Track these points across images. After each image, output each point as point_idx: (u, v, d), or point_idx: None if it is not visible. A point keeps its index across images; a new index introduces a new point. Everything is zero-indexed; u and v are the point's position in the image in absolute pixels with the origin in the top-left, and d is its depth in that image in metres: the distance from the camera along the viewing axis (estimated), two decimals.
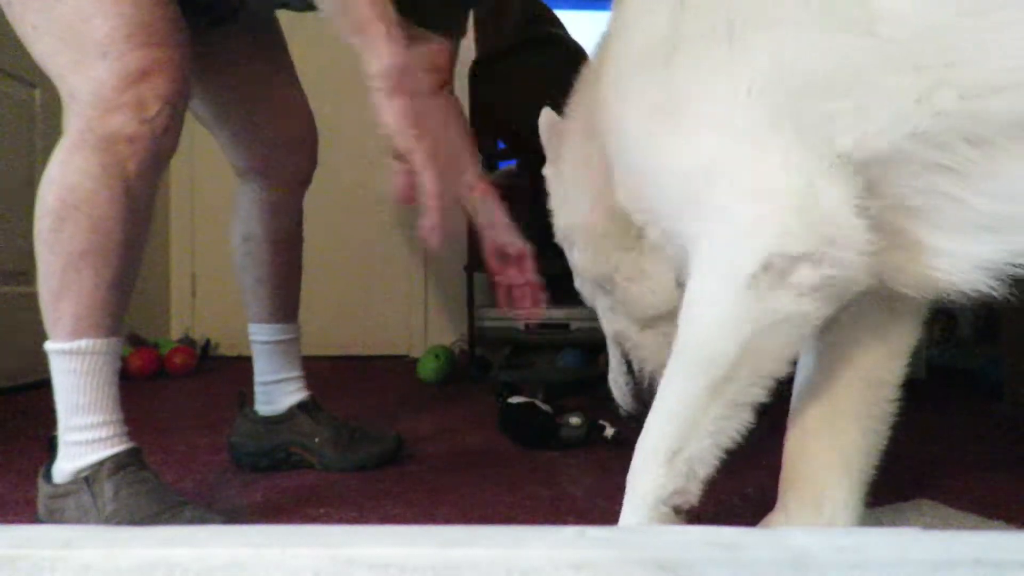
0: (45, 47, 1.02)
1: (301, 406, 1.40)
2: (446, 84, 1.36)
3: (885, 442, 0.89)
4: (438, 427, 1.76)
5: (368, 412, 1.96)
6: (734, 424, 0.74)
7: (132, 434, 1.06)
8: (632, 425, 0.94)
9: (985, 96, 0.62)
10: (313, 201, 1.46)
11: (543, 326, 2.63)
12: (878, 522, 1.04)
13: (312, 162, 1.42)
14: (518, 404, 1.60)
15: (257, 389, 1.41)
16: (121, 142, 1.00)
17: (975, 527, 1.03)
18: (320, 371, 2.77)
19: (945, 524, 1.03)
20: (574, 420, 1.51)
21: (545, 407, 1.58)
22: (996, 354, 2.15)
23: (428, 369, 2.45)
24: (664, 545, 0.27)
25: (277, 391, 1.40)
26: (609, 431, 1.51)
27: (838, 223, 0.66)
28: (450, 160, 1.01)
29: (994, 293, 0.69)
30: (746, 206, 0.69)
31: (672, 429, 0.76)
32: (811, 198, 0.66)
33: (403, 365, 2.86)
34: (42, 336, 1.03)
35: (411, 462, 1.43)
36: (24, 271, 2.27)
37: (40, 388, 2.32)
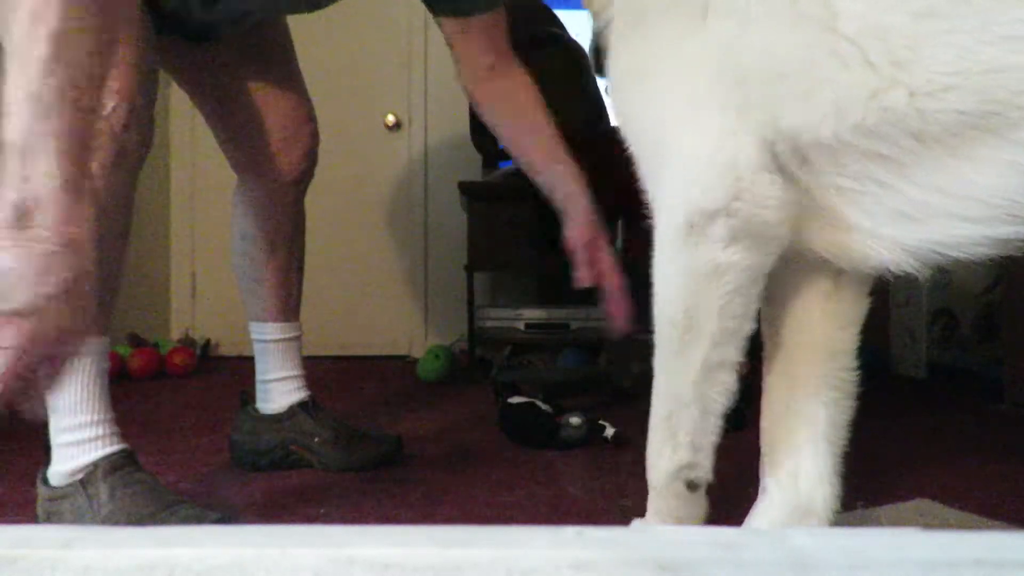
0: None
1: (301, 405, 1.40)
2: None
3: (851, 413, 0.91)
4: (438, 427, 1.76)
5: (368, 412, 1.96)
6: (717, 388, 0.78)
7: (129, 435, 1.06)
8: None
9: (934, 96, 0.66)
10: (313, 201, 1.46)
11: (543, 326, 2.63)
12: (878, 522, 1.04)
13: (309, 160, 1.41)
14: (518, 404, 1.60)
15: (258, 388, 1.41)
16: None
17: (975, 527, 1.03)
18: (320, 371, 2.77)
19: (945, 524, 1.03)
20: (574, 420, 1.51)
21: (545, 407, 1.58)
22: (996, 354, 2.15)
23: (428, 369, 2.45)
24: (664, 545, 0.27)
25: (277, 390, 1.40)
26: (609, 431, 1.51)
27: (750, 181, 0.73)
28: None
29: (918, 274, 0.74)
30: (680, 168, 0.76)
31: (662, 402, 0.81)
32: (731, 161, 0.73)
33: (403, 365, 2.86)
34: None
35: (411, 462, 1.43)
36: None
37: None
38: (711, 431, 0.80)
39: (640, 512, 0.87)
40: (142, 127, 1.04)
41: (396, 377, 2.61)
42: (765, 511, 0.88)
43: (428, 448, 1.55)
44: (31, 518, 1.06)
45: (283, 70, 1.38)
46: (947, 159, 0.68)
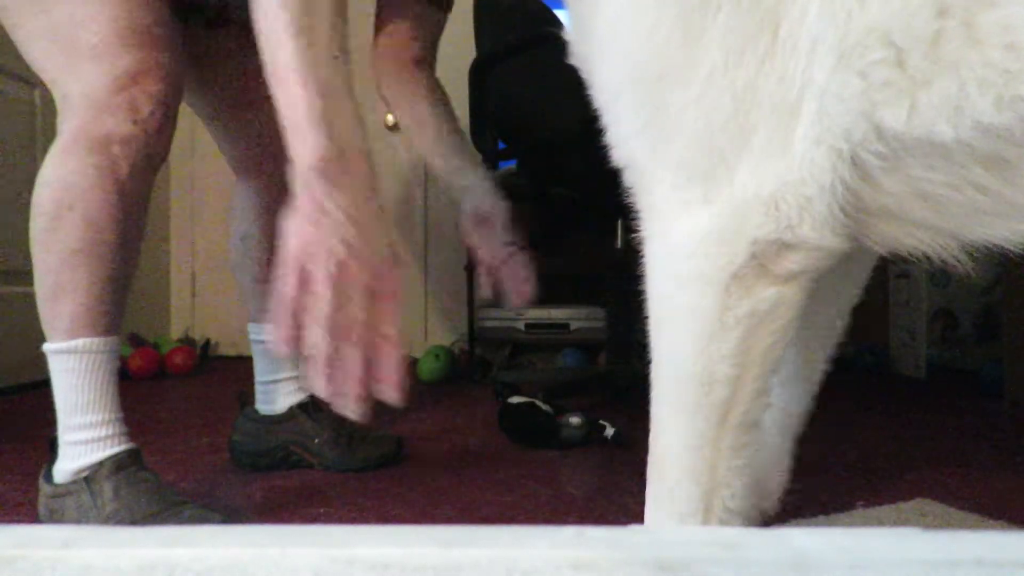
0: (39, 51, 1.04)
1: (301, 406, 1.40)
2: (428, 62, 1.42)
3: (812, 402, 0.94)
4: (438, 427, 1.76)
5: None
6: (752, 447, 0.70)
7: (132, 434, 1.06)
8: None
9: None
10: None
11: (543, 326, 2.63)
12: (878, 522, 1.04)
13: None
14: (518, 404, 1.60)
15: (257, 388, 1.42)
16: (114, 143, 1.01)
17: (975, 527, 1.03)
18: None
19: (945, 524, 1.03)
20: (574, 420, 1.51)
21: (545, 407, 1.58)
22: (996, 354, 2.15)
23: (428, 369, 2.45)
24: (664, 545, 0.27)
25: (276, 391, 1.40)
26: (609, 431, 1.51)
27: (824, 200, 0.62)
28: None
29: (962, 268, 0.69)
30: (730, 192, 0.64)
31: (692, 487, 0.70)
32: (809, 175, 0.62)
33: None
34: (42, 336, 1.03)
35: (411, 462, 1.43)
36: (24, 271, 2.26)
37: (40, 388, 2.32)
38: (743, 498, 0.70)
39: (639, 513, 0.87)
40: (170, 131, 1.07)
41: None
42: None
43: (428, 448, 1.55)
44: (31, 518, 1.06)
45: None
46: None
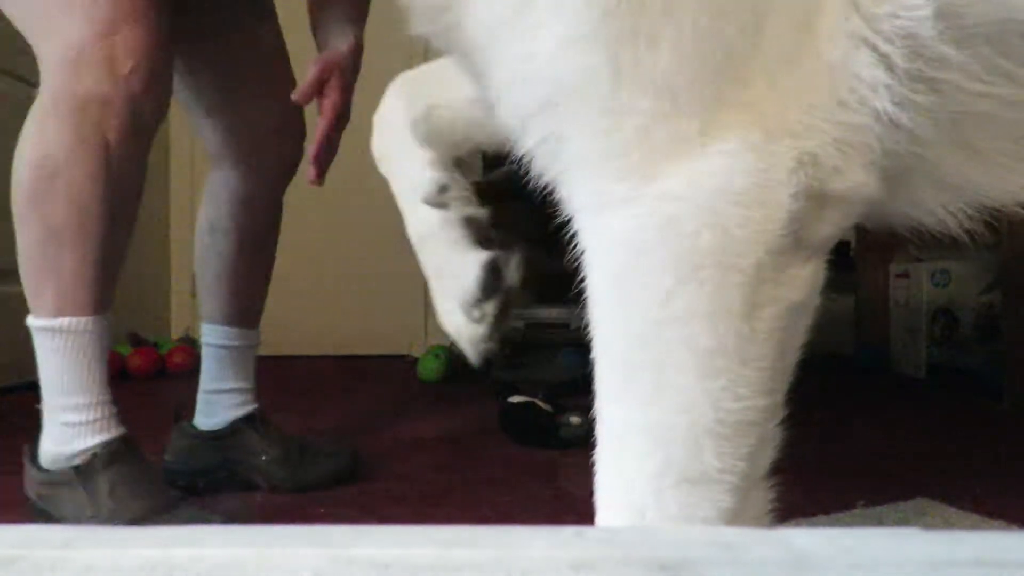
0: (16, 10, 0.96)
1: (247, 419, 1.27)
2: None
3: None
4: (438, 427, 1.76)
5: (368, 412, 1.96)
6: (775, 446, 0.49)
7: (129, 434, 1.05)
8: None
9: None
10: (313, 200, 1.46)
11: (543, 326, 2.63)
12: (878, 522, 1.04)
13: (298, 151, 1.29)
14: (518, 404, 1.60)
15: (199, 399, 1.29)
16: (94, 104, 0.91)
17: (975, 527, 1.03)
18: (320, 371, 2.77)
19: (945, 524, 1.03)
20: (574, 420, 1.51)
21: (545, 407, 1.58)
22: (996, 354, 2.15)
23: (428, 369, 2.45)
24: (664, 545, 0.27)
25: (220, 403, 1.27)
26: None
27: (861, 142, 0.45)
28: None
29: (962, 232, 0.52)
30: (731, 143, 0.43)
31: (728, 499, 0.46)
32: (841, 103, 0.44)
33: (403, 365, 2.86)
34: None
35: (411, 462, 1.43)
36: None
37: (39, 388, 2.32)
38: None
39: None
40: (159, 92, 0.97)
41: (396, 377, 2.61)
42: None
43: (428, 448, 1.54)
44: (31, 518, 1.06)
45: (273, 49, 1.27)
46: None
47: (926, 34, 0.42)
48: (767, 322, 0.44)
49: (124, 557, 0.26)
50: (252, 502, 1.20)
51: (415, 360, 2.61)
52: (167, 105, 1.00)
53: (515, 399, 1.63)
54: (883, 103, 0.44)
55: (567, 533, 0.28)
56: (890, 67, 0.43)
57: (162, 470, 1.24)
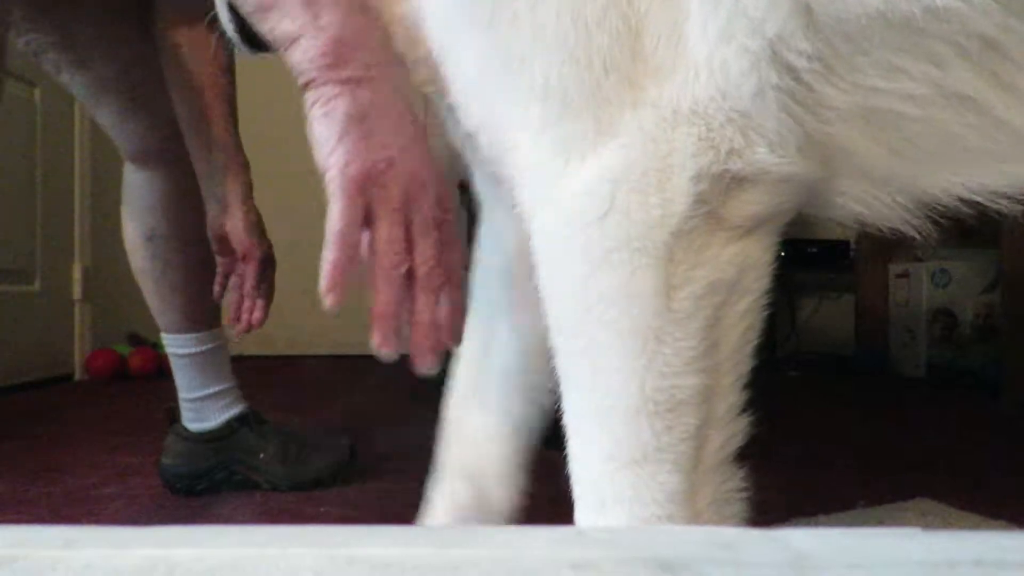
0: None
1: (240, 419, 1.25)
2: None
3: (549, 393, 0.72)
4: (438, 427, 1.76)
5: (368, 412, 1.96)
6: (739, 433, 0.49)
7: (129, 433, 1.05)
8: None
9: None
10: (313, 200, 1.45)
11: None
12: (878, 522, 1.05)
13: None
14: None
15: (184, 406, 1.25)
16: None
17: (975, 527, 1.03)
18: (320, 371, 2.77)
19: (945, 524, 1.03)
20: None
21: None
22: (996, 354, 2.15)
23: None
24: (664, 545, 0.27)
25: (209, 407, 1.24)
26: None
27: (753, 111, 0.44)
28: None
29: (908, 229, 0.50)
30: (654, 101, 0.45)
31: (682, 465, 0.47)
32: (724, 94, 0.44)
33: (403, 365, 2.86)
34: (42, 335, 1.03)
35: (411, 462, 1.43)
36: (24, 270, 2.27)
37: (39, 388, 2.33)
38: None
39: None
40: None
41: (396, 377, 2.61)
42: (436, 501, 0.81)
43: (428, 448, 1.54)
44: (31, 518, 1.06)
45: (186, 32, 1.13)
46: None
47: (779, 30, 0.43)
48: (685, 302, 0.45)
49: (124, 557, 0.26)
50: (252, 502, 1.20)
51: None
52: (1, 85, 0.86)
53: None
54: (764, 94, 0.44)
55: (567, 533, 0.28)
56: (757, 62, 0.44)
57: (160, 472, 1.24)
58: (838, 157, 0.47)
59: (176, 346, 1.24)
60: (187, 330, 1.23)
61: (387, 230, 0.57)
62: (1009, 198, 0.47)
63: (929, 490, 1.17)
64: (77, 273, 2.49)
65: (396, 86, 0.58)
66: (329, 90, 0.56)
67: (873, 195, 0.49)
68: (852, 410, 1.89)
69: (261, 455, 1.24)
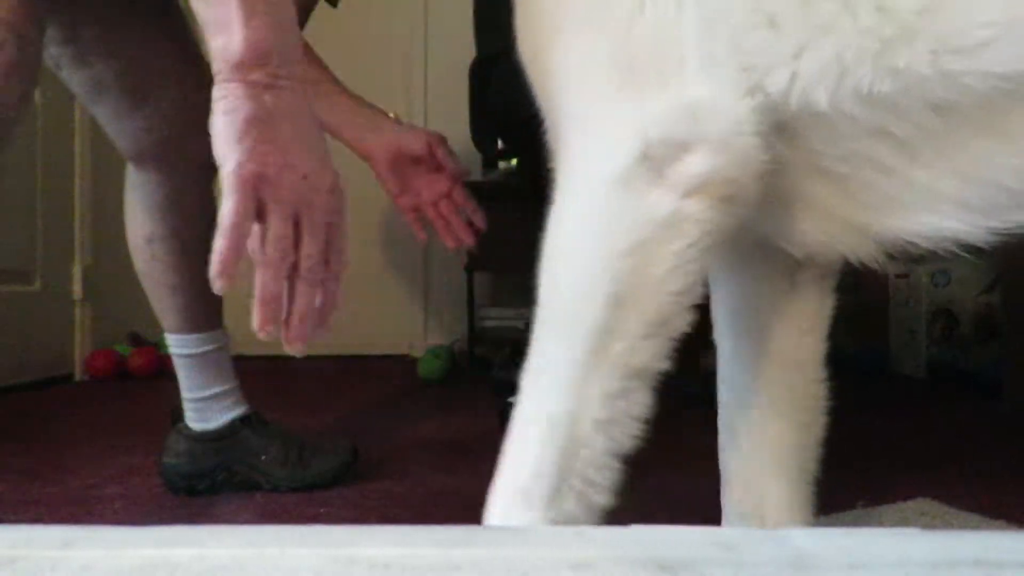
0: None
1: (243, 420, 1.25)
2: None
3: (822, 431, 0.77)
4: (438, 427, 1.76)
5: (368, 412, 1.96)
6: (630, 409, 0.56)
7: (130, 434, 1.05)
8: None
9: (967, 54, 0.50)
10: None
11: None
12: (878, 522, 1.05)
13: None
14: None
15: (187, 407, 1.26)
16: None
17: (975, 527, 1.03)
18: (320, 371, 2.77)
19: (945, 524, 1.03)
20: None
21: None
22: (996, 354, 2.15)
23: (428, 368, 2.45)
24: (664, 545, 0.27)
25: (211, 407, 1.25)
26: None
27: (734, 125, 0.55)
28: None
29: (877, 266, 0.61)
30: (631, 92, 0.57)
31: (545, 435, 0.58)
32: (711, 101, 0.55)
33: (403, 365, 2.86)
34: (42, 335, 1.03)
35: (411, 462, 1.43)
36: (24, 271, 2.27)
37: (39, 388, 2.33)
38: (612, 475, 0.56)
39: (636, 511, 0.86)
40: (26, 76, 0.83)
41: (396, 377, 2.61)
42: None
43: (428, 448, 1.54)
44: (31, 518, 1.06)
45: (183, 30, 1.16)
46: (971, 135, 0.53)
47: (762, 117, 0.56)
48: (626, 223, 0.56)
49: (124, 557, 0.26)
50: (252, 502, 1.20)
51: (415, 360, 2.61)
52: (31, 93, 0.86)
53: (515, 399, 1.63)
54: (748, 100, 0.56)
55: (567, 533, 0.28)
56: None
57: (161, 471, 1.24)
58: (806, 201, 0.60)
59: (178, 346, 1.25)
60: (189, 330, 1.24)
61: (276, 226, 0.61)
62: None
63: (929, 490, 1.17)
64: (77, 273, 2.48)
65: (302, 96, 0.64)
66: (237, 89, 0.60)
67: (835, 233, 0.60)
68: (852, 410, 1.89)
69: (263, 456, 1.24)
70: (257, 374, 1.40)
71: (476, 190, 2.47)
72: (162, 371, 2.64)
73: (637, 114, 0.56)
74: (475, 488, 1.34)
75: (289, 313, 0.64)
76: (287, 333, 0.64)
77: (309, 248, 0.63)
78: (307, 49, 1.15)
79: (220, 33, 0.60)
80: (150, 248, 1.20)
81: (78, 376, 2.47)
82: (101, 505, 1.18)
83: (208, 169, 1.18)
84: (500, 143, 2.60)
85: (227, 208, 0.59)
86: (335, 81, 1.25)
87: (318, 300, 0.65)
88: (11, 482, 1.29)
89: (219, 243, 0.59)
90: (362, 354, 3.16)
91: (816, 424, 0.77)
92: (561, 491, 0.56)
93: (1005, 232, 0.55)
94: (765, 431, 0.75)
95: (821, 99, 0.54)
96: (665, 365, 0.56)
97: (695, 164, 0.54)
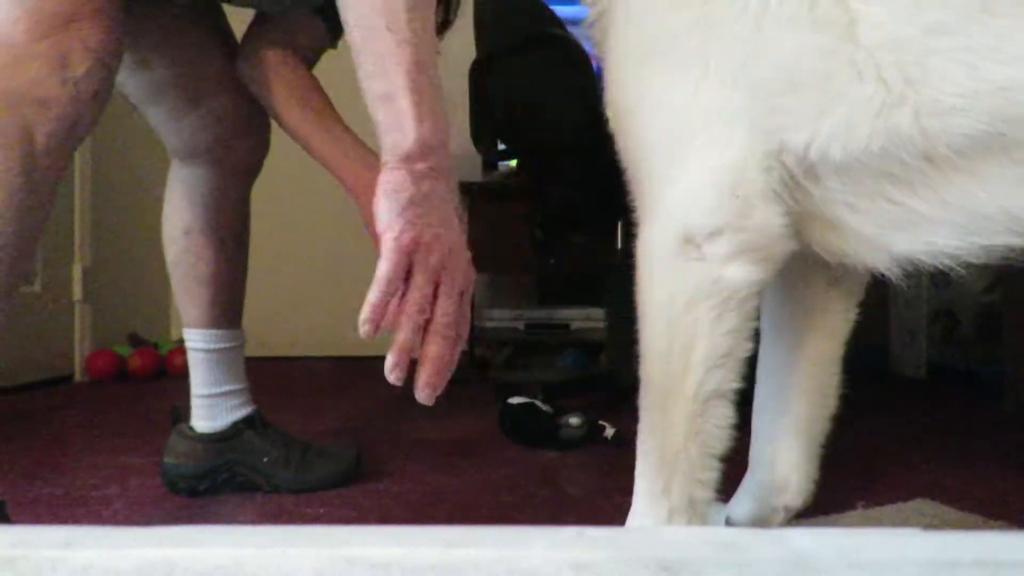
0: None
1: (247, 422, 1.26)
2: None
3: (833, 410, 0.97)
4: (438, 427, 1.76)
5: (368, 412, 1.96)
6: (714, 422, 0.73)
7: (130, 434, 1.06)
8: None
9: (939, 116, 0.65)
10: (313, 201, 1.45)
11: (543, 326, 2.63)
12: (878, 522, 1.05)
13: (264, 146, 1.26)
14: (518, 404, 1.60)
15: (195, 403, 1.26)
16: (30, 104, 0.79)
17: (975, 527, 1.03)
18: (320, 371, 2.77)
19: (945, 524, 1.03)
20: (574, 420, 1.51)
21: (545, 407, 1.58)
22: (996, 354, 2.15)
23: None
24: (664, 545, 0.27)
25: (219, 406, 1.25)
26: (609, 431, 1.51)
27: (754, 202, 0.70)
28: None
29: (894, 277, 0.76)
30: (679, 182, 0.73)
31: (653, 447, 0.75)
32: (737, 180, 0.70)
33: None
34: (42, 335, 1.02)
35: (411, 462, 1.43)
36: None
37: (40, 388, 2.33)
38: (710, 473, 0.74)
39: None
40: (106, 98, 0.87)
41: None
42: (747, 486, 0.96)
43: (428, 448, 1.54)
44: (31, 518, 1.06)
45: (234, 42, 1.21)
46: (953, 176, 0.67)
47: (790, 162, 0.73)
48: (680, 295, 0.73)
49: (124, 557, 0.26)
50: (252, 502, 1.20)
51: (415, 360, 2.61)
52: (100, 111, 0.89)
53: (515, 400, 1.63)
54: (775, 172, 0.72)
55: (567, 533, 0.28)
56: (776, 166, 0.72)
57: (162, 472, 1.24)
58: (832, 223, 0.75)
59: (198, 341, 1.25)
60: (210, 325, 1.24)
61: (420, 286, 0.71)
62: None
63: (929, 490, 1.17)
64: (77, 273, 2.48)
65: (450, 184, 0.75)
66: (401, 176, 0.71)
67: (860, 250, 0.75)
68: (852, 410, 1.89)
69: (265, 458, 1.24)
70: (258, 375, 1.40)
71: (476, 190, 2.48)
72: (162, 372, 2.64)
73: (676, 198, 0.73)
74: (475, 488, 1.34)
75: (422, 360, 0.77)
76: (423, 380, 0.78)
77: (446, 307, 0.74)
78: (315, 85, 1.19)
79: (393, 132, 0.72)
80: (186, 240, 1.23)
81: (78, 377, 2.47)
82: (101, 505, 1.18)
83: (249, 173, 1.28)
84: (500, 143, 2.60)
85: (385, 267, 0.70)
86: (338, 118, 1.20)
87: (449, 355, 0.76)
88: (11, 482, 1.29)
89: (373, 295, 0.70)
90: (363, 355, 3.16)
91: (829, 405, 0.96)
92: (670, 488, 0.74)
93: (995, 251, 0.72)
94: (789, 405, 0.94)
95: (836, 152, 0.68)
96: (738, 384, 0.73)
97: (726, 244, 0.71)
